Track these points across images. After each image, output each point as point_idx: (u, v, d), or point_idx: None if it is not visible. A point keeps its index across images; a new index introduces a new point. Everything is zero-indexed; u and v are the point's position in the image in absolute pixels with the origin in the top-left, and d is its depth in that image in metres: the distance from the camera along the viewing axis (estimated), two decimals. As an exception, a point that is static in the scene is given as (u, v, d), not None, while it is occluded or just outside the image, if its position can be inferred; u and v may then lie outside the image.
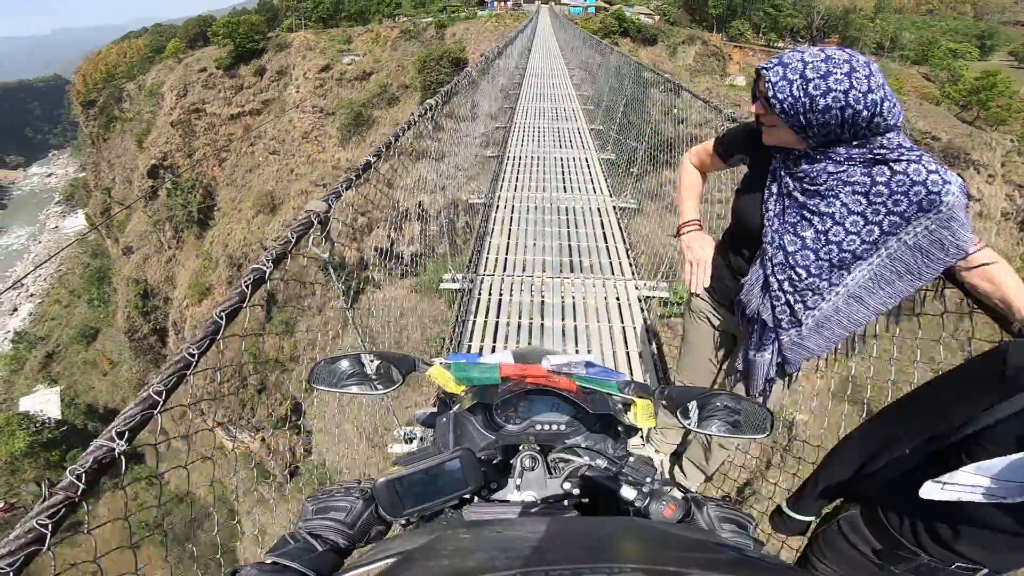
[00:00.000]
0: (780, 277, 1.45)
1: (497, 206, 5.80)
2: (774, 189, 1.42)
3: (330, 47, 42.12)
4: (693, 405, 0.96)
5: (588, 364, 1.07)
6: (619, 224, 5.42)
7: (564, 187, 6.56)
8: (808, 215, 1.37)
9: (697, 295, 1.86)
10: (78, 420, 39.73)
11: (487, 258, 4.62)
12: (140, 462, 31.27)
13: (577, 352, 3.36)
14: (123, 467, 0.94)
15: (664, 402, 1.02)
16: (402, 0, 52.05)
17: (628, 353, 3.45)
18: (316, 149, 35.78)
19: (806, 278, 1.41)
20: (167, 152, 49.36)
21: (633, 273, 4.47)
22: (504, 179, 6.89)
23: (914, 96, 40.19)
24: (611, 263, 4.56)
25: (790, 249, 1.40)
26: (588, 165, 7.56)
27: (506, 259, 4.59)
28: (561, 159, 7.80)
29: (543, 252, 4.72)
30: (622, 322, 3.75)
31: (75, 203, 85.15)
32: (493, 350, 3.46)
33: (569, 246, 4.86)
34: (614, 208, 5.82)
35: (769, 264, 1.45)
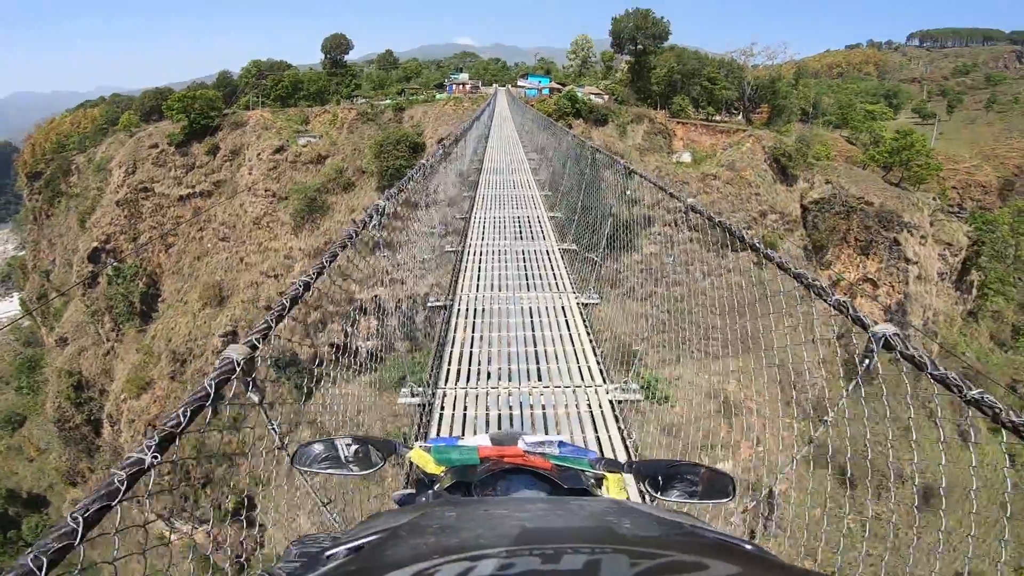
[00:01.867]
0: None
1: (441, 409, 4.55)
2: None
3: (287, 127, 42.10)
4: (660, 477, 1.06)
5: (561, 443, 1.12)
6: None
7: (538, 371, 5.08)
8: None
9: None
10: (-5, 504, 37.81)
11: None
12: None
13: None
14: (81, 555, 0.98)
15: (633, 475, 1.09)
16: (361, 82, 53.07)
17: None
18: (268, 236, 34.80)
19: None
20: (111, 234, 47.46)
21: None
22: (448, 362, 5.21)
23: (840, 160, 42.90)
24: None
25: None
26: (567, 320, 6.12)
27: None
28: (531, 310, 6.25)
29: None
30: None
31: (11, 285, 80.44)
32: None
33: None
34: (611, 403, 4.64)
35: None
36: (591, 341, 5.62)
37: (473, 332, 5.81)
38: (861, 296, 34.83)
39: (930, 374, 1.84)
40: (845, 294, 39.33)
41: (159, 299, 44.22)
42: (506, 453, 1.04)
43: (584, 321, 6.11)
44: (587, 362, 5.23)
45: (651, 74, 45.51)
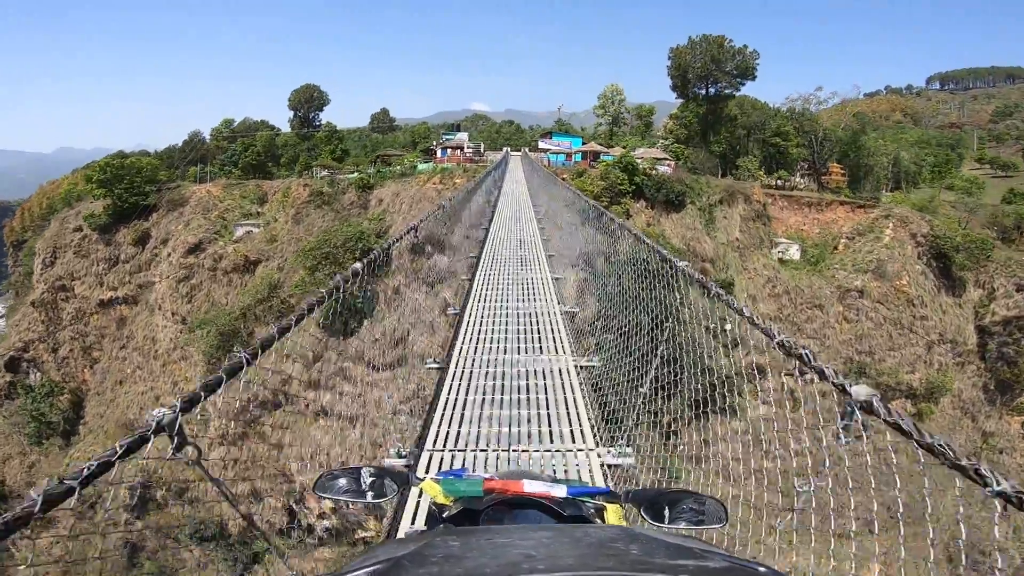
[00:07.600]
0: None
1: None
2: None
3: (237, 206, 31.90)
4: (656, 504, 1.11)
5: (569, 487, 1.13)
6: None
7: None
8: None
9: None
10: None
11: None
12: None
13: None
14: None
15: (631, 504, 1.13)
16: (349, 148, 42.60)
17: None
18: (181, 373, 23.78)
19: None
20: (29, 342, 38.34)
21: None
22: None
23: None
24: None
25: None
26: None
27: None
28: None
29: None
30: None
31: (0, 360, 72.96)
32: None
33: None
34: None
35: None
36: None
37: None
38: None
39: None
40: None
41: (82, 420, 35.93)
42: (509, 487, 1.06)
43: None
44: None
45: (724, 127, 34.19)
